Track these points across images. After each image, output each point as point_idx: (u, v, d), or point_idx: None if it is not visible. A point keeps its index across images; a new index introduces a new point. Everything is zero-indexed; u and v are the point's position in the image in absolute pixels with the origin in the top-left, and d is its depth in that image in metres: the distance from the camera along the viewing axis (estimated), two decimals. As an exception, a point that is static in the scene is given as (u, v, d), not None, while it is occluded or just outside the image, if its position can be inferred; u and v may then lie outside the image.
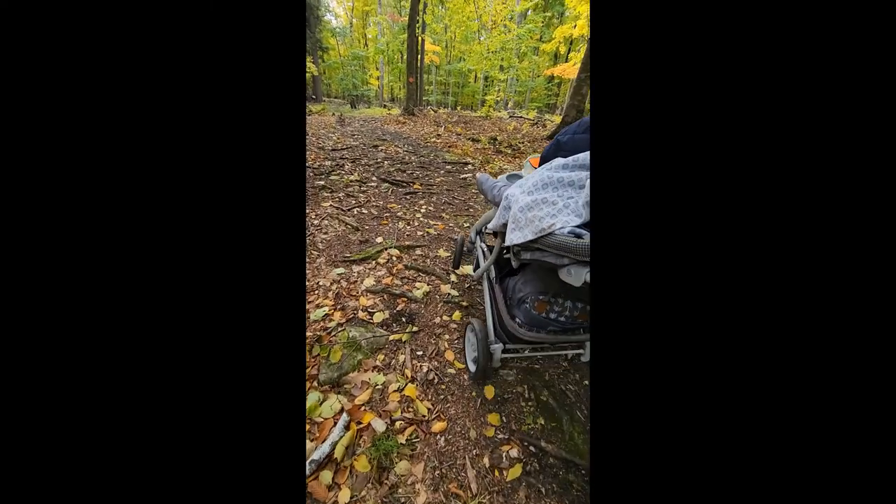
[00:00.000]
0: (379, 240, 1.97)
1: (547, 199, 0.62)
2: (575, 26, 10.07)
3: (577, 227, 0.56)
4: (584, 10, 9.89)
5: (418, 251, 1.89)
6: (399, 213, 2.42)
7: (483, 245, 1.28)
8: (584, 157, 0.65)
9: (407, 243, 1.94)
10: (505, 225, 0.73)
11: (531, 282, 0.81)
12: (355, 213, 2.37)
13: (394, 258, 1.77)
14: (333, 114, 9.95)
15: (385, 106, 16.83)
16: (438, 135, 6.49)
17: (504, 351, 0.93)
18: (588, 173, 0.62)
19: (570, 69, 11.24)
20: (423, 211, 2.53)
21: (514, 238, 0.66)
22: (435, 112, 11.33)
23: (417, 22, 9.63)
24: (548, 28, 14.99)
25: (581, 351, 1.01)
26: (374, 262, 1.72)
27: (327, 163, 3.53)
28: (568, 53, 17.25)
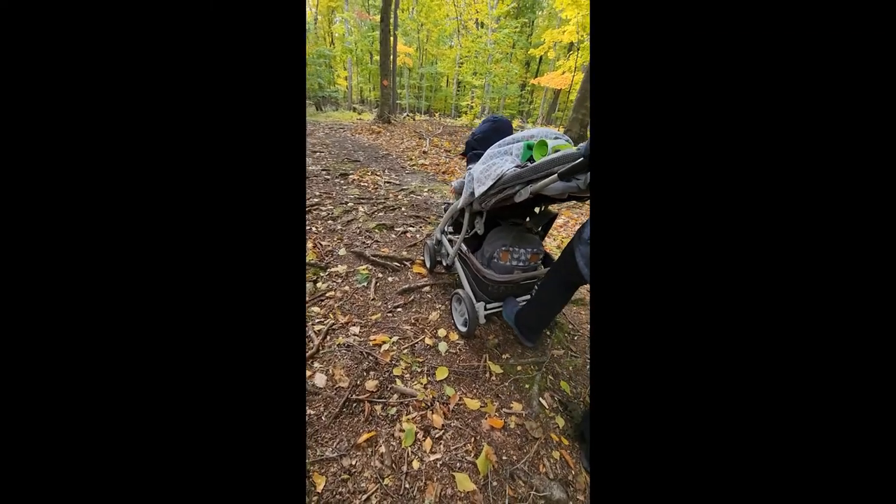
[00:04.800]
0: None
1: (495, 163, 0.97)
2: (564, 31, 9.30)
3: (515, 167, 0.89)
4: (573, 14, 9.20)
5: None
6: (400, 386, 1.11)
7: (447, 238, 1.48)
8: (508, 139, 1.02)
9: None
10: (472, 194, 1.05)
11: (493, 242, 1.17)
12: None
13: None
14: (292, 119, 8.27)
15: (355, 109, 15.25)
16: (424, 151, 5.21)
17: (485, 309, 1.22)
18: (515, 146, 0.99)
19: (558, 78, 10.50)
20: (443, 357, 1.24)
21: (480, 189, 0.98)
22: (413, 120, 10.04)
23: (391, 18, 8.33)
24: (520, 34, 14.39)
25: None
26: None
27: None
28: (539, 64, 16.84)
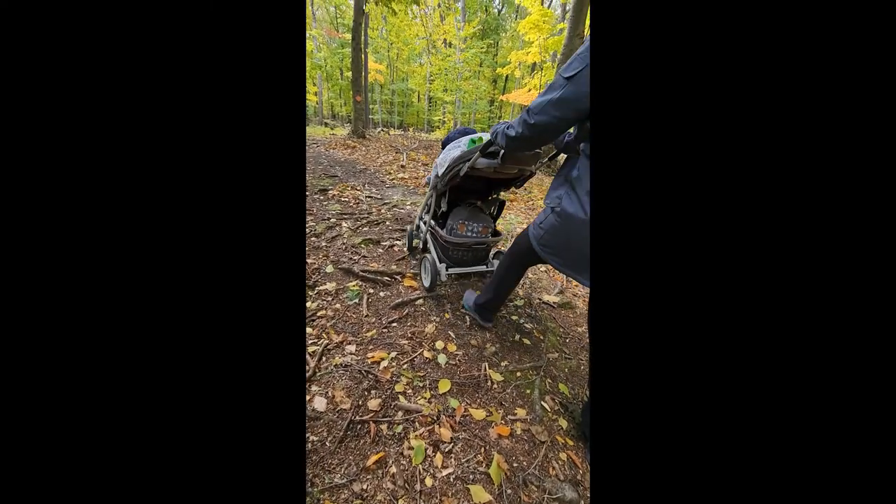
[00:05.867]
0: None
1: (450, 152, 1.40)
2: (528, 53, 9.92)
3: (460, 151, 1.32)
4: (535, 37, 9.85)
5: None
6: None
7: (422, 221, 1.80)
8: (461, 138, 1.41)
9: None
10: (437, 176, 1.49)
11: (453, 216, 1.62)
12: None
13: None
14: (261, 135, 7.99)
15: (326, 124, 15.10)
16: (403, 165, 5.25)
17: (446, 270, 1.53)
18: (463, 140, 1.38)
19: (524, 95, 11.11)
20: (443, 370, 1.24)
21: (441, 171, 1.44)
22: (388, 135, 10.12)
23: (362, 37, 8.46)
24: (486, 54, 15.19)
25: (491, 268, 1.68)
26: None
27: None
28: (506, 82, 17.86)
